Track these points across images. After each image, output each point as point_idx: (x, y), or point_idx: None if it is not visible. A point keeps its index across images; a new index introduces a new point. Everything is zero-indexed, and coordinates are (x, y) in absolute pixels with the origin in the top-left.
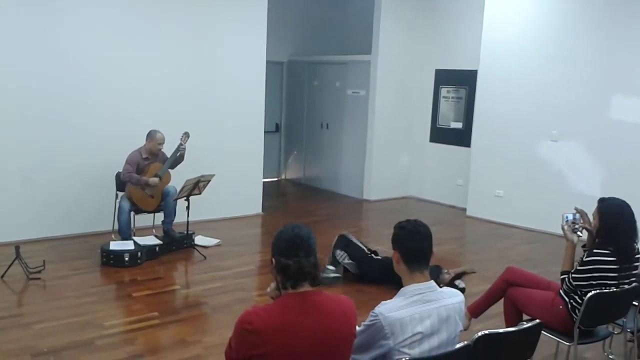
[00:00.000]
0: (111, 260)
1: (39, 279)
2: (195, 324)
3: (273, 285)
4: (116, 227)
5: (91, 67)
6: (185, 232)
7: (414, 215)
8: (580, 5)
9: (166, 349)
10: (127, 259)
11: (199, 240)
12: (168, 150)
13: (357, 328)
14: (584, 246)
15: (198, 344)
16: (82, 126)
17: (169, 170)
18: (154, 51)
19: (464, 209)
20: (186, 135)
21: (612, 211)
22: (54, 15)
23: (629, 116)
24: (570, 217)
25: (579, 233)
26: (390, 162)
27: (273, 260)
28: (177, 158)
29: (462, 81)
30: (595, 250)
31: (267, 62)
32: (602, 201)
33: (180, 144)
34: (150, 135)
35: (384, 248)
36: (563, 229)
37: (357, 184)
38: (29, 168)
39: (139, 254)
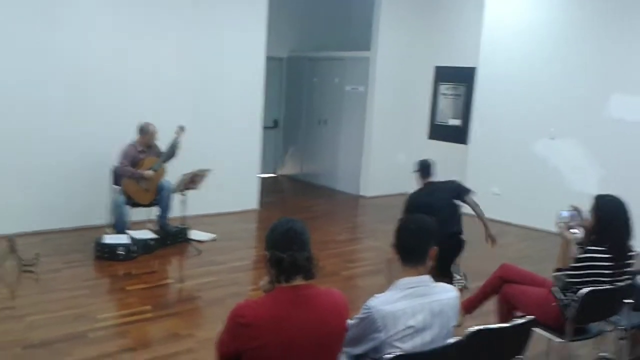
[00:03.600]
0: (105, 254)
1: (32, 271)
2: (189, 318)
3: (266, 278)
4: (111, 220)
5: (88, 60)
6: (181, 226)
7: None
8: (580, 3)
9: (158, 343)
10: (121, 252)
11: (194, 234)
12: (162, 143)
13: (350, 321)
14: (579, 243)
15: (190, 338)
16: (78, 119)
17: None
18: (153, 45)
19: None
20: (181, 128)
21: (607, 208)
22: (52, 8)
23: (626, 114)
24: (566, 214)
25: (573, 230)
26: (388, 158)
27: (267, 253)
28: (171, 154)
29: (461, 78)
30: (590, 247)
31: (267, 57)
32: (598, 198)
33: (176, 138)
34: (144, 130)
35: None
36: (559, 226)
37: (354, 180)
38: (24, 161)
39: (134, 247)
